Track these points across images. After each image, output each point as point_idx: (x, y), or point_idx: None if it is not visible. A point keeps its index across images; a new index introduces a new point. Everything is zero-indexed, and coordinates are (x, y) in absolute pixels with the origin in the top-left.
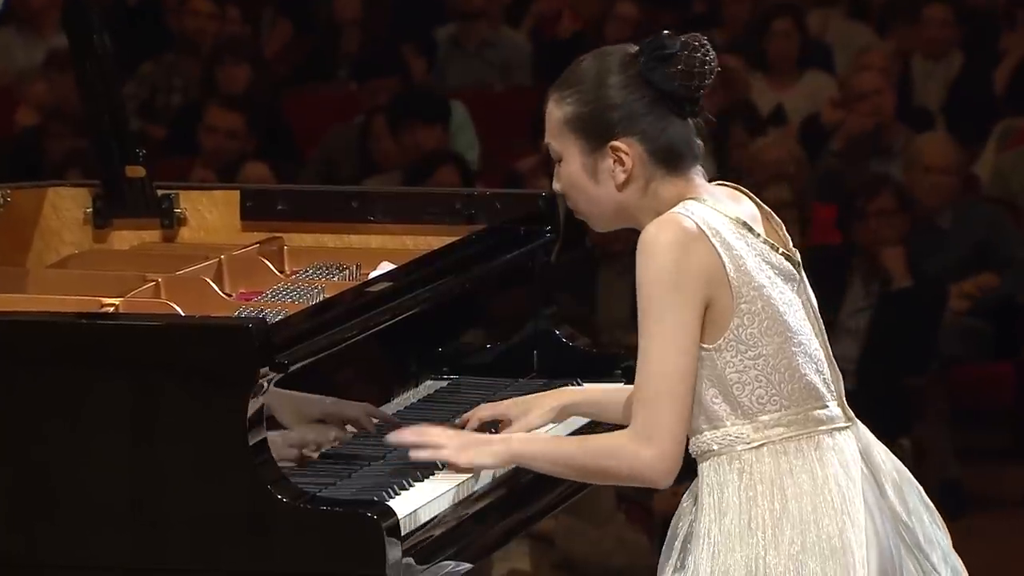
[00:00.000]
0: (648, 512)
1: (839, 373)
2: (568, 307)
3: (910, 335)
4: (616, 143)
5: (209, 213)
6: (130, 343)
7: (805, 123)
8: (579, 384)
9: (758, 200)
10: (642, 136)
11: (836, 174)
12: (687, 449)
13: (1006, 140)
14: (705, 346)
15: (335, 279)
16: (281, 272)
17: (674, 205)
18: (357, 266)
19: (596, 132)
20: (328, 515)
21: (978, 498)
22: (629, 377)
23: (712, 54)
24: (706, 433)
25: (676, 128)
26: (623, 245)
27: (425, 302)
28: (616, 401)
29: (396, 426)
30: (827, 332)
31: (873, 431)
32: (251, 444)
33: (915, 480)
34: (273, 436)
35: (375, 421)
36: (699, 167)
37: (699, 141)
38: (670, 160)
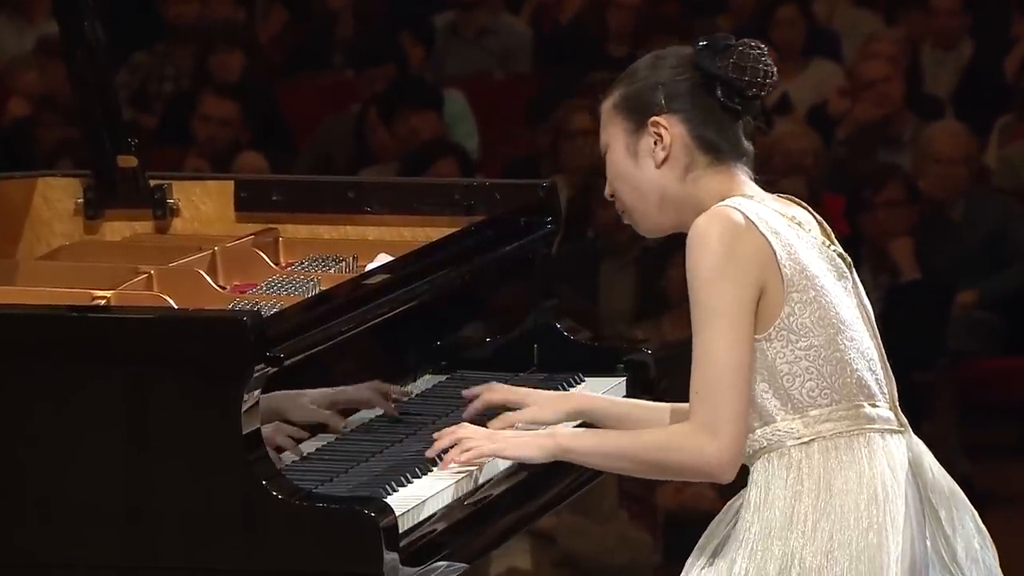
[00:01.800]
0: (652, 509)
1: (893, 379)
2: (569, 300)
3: (919, 329)
4: (656, 119)
5: (203, 204)
6: (122, 337)
7: (812, 112)
8: (580, 379)
9: (811, 209)
10: (684, 116)
11: (843, 164)
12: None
13: (1010, 132)
14: (755, 336)
15: (331, 271)
16: (276, 264)
17: (718, 200)
18: (354, 258)
19: (639, 110)
20: (324, 512)
21: (987, 495)
22: (631, 371)
23: (770, 64)
24: (757, 431)
25: (721, 120)
26: (626, 236)
27: (423, 295)
28: (624, 415)
29: (407, 395)
30: None
31: None
32: (246, 440)
33: (971, 505)
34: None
35: (390, 399)
36: (745, 167)
37: (748, 143)
38: (713, 149)
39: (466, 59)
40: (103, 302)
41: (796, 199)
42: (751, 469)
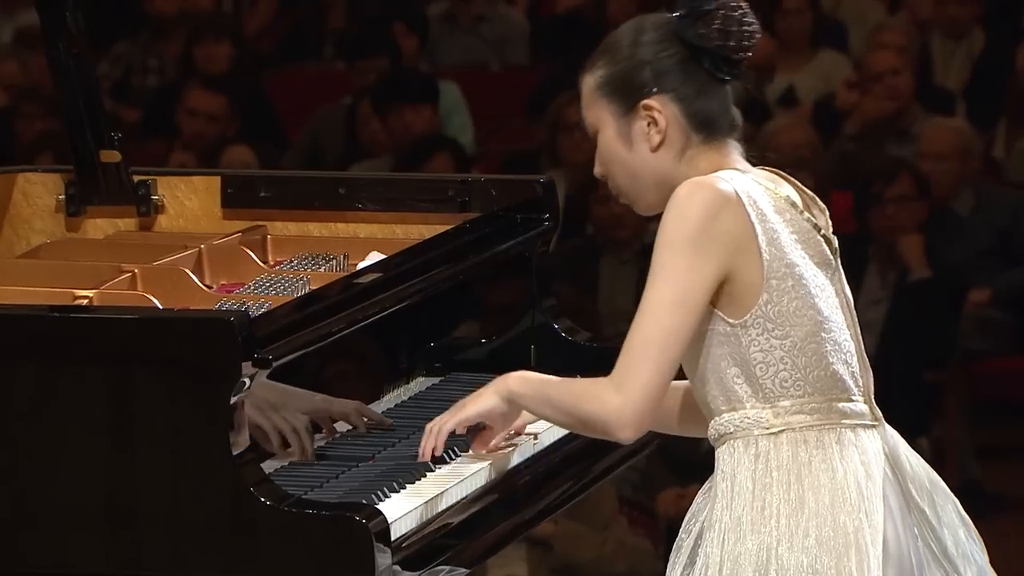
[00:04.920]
0: (651, 516)
1: (870, 371)
2: (568, 299)
3: (929, 327)
4: (648, 101)
5: (188, 200)
6: (105, 338)
7: (819, 105)
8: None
9: (800, 185)
10: (675, 95)
11: (851, 159)
12: (704, 441)
13: (1016, 127)
14: (731, 321)
15: (321, 270)
16: (264, 263)
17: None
18: (345, 256)
19: (627, 92)
20: (314, 519)
21: (999, 497)
22: None
23: (752, 20)
24: (724, 415)
25: (711, 91)
26: (626, 232)
27: (417, 294)
28: None
29: (387, 426)
30: None
31: None
32: (233, 444)
33: (951, 494)
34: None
35: (365, 420)
36: (737, 142)
37: (736, 111)
38: (706, 125)
39: (460, 50)
40: (85, 302)
41: (783, 173)
42: (716, 455)
